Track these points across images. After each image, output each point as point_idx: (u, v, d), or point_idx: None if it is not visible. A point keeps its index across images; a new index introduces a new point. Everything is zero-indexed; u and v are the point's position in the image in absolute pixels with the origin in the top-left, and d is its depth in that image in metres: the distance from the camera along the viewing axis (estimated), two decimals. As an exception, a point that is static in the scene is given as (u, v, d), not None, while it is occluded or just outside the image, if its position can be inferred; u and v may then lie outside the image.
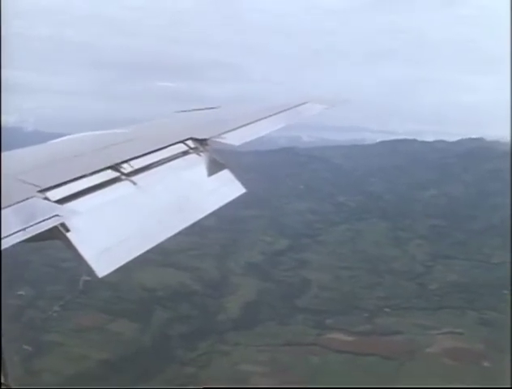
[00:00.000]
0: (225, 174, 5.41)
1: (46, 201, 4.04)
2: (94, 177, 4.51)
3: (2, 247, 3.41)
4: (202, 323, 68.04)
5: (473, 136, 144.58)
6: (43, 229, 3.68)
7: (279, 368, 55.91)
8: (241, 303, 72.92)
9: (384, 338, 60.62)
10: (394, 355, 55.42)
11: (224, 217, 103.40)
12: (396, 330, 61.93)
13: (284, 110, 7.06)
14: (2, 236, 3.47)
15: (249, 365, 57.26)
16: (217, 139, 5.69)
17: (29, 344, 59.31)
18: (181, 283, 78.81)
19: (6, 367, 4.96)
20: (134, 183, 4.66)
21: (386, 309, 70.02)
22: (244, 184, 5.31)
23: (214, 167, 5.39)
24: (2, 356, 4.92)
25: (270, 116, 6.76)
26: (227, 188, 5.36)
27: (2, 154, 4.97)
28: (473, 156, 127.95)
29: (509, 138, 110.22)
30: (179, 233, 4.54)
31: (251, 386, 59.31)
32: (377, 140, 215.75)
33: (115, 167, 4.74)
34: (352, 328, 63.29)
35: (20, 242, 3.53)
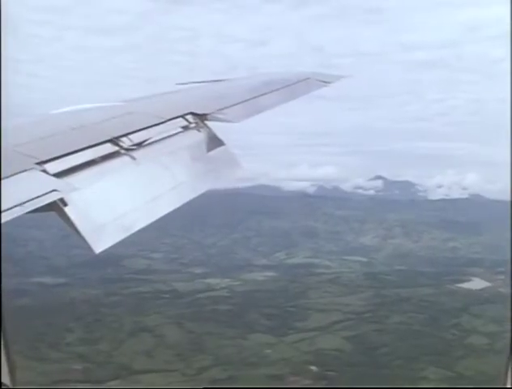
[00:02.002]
0: (224, 151, 5.36)
1: (44, 174, 4.01)
2: (93, 150, 4.47)
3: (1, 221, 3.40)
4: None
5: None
6: (41, 204, 3.66)
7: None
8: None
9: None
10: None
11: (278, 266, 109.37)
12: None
13: (287, 86, 6.93)
14: None
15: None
16: (217, 115, 5.59)
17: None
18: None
19: (7, 367, 5.09)
20: (133, 158, 4.63)
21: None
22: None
23: (213, 143, 5.32)
24: (2, 356, 5.04)
25: (273, 92, 6.61)
26: (225, 165, 5.31)
27: None
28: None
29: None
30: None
31: (251, 386, 62.23)
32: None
33: (114, 141, 4.69)
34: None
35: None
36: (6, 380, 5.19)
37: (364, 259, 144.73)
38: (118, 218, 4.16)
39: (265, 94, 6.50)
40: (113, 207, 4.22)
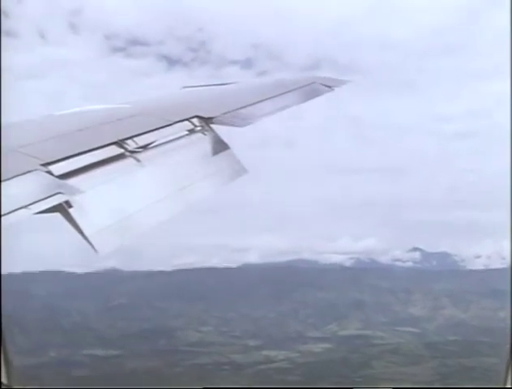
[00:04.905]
0: (229, 154, 5.31)
1: (49, 176, 3.96)
2: (98, 152, 4.44)
3: (3, 224, 3.31)
4: None
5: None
6: (46, 207, 3.61)
7: None
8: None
9: None
10: None
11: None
12: None
13: (292, 90, 6.88)
14: (3, 212, 3.35)
15: None
16: (223, 118, 5.55)
17: None
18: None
19: (7, 367, 5.08)
20: (138, 160, 4.60)
21: None
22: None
23: (218, 147, 5.28)
24: (2, 356, 5.00)
25: (278, 95, 6.55)
26: (230, 168, 5.26)
27: (3, 126, 4.80)
28: None
29: None
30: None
31: (251, 386, 60.39)
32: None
33: (119, 143, 4.65)
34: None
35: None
36: (4, 380, 5.32)
37: (417, 330, 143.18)
38: (123, 220, 4.16)
39: (270, 98, 6.45)
40: (117, 209, 4.21)
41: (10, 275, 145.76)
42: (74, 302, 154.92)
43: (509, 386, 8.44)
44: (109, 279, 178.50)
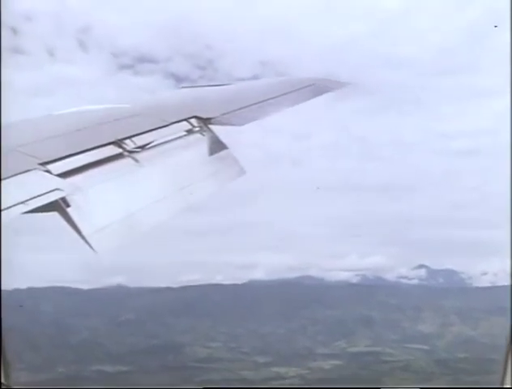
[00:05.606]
0: (227, 155, 5.32)
1: (47, 174, 3.99)
2: (96, 152, 4.47)
3: (3, 220, 3.33)
4: None
5: None
6: (43, 203, 3.64)
7: None
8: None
9: None
10: None
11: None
12: None
13: (291, 91, 6.88)
14: (2, 207, 3.38)
15: None
16: (221, 119, 5.56)
17: None
18: None
19: (7, 367, 5.09)
20: (137, 160, 4.62)
21: None
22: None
23: (216, 147, 5.28)
24: (2, 356, 5.07)
25: (277, 96, 6.54)
26: (228, 168, 5.28)
27: (3, 125, 4.79)
28: None
29: None
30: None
31: (251, 387, 59.84)
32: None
33: (118, 143, 4.66)
34: None
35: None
36: (3, 380, 5.48)
37: (427, 347, 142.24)
38: (121, 220, 4.15)
39: (270, 99, 6.46)
40: (115, 209, 4.21)
41: (16, 291, 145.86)
42: (81, 318, 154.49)
43: (508, 387, 8.67)
44: (116, 296, 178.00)
